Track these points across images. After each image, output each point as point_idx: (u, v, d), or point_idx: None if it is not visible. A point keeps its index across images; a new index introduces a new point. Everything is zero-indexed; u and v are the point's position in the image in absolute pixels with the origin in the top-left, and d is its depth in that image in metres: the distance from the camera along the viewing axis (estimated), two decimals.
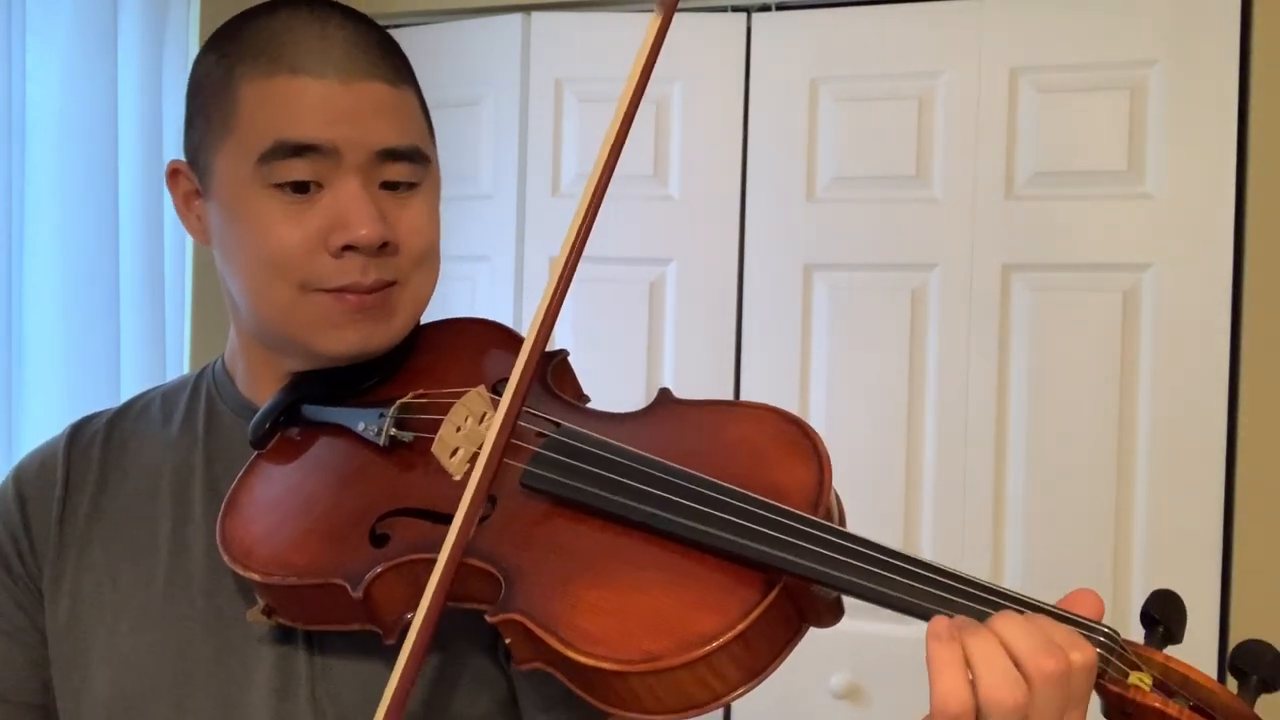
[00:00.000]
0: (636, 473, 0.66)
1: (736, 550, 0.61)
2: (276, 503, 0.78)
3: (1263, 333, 1.84)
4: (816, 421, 2.05)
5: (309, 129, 0.76)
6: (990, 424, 1.97)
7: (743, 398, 2.09)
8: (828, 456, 0.66)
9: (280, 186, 0.77)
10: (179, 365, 1.97)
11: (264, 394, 0.85)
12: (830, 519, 0.64)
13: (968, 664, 0.55)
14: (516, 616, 0.62)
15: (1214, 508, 1.86)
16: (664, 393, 0.76)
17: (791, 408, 2.34)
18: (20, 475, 0.89)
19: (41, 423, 1.65)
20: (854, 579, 0.59)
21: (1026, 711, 0.54)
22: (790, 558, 0.59)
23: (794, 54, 2.07)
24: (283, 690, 0.78)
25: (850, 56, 2.05)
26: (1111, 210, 1.92)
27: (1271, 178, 1.84)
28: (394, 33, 2.42)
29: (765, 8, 2.10)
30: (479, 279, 2.24)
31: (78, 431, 0.90)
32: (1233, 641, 1.83)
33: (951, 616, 0.57)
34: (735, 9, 2.11)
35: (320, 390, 0.83)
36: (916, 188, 2.02)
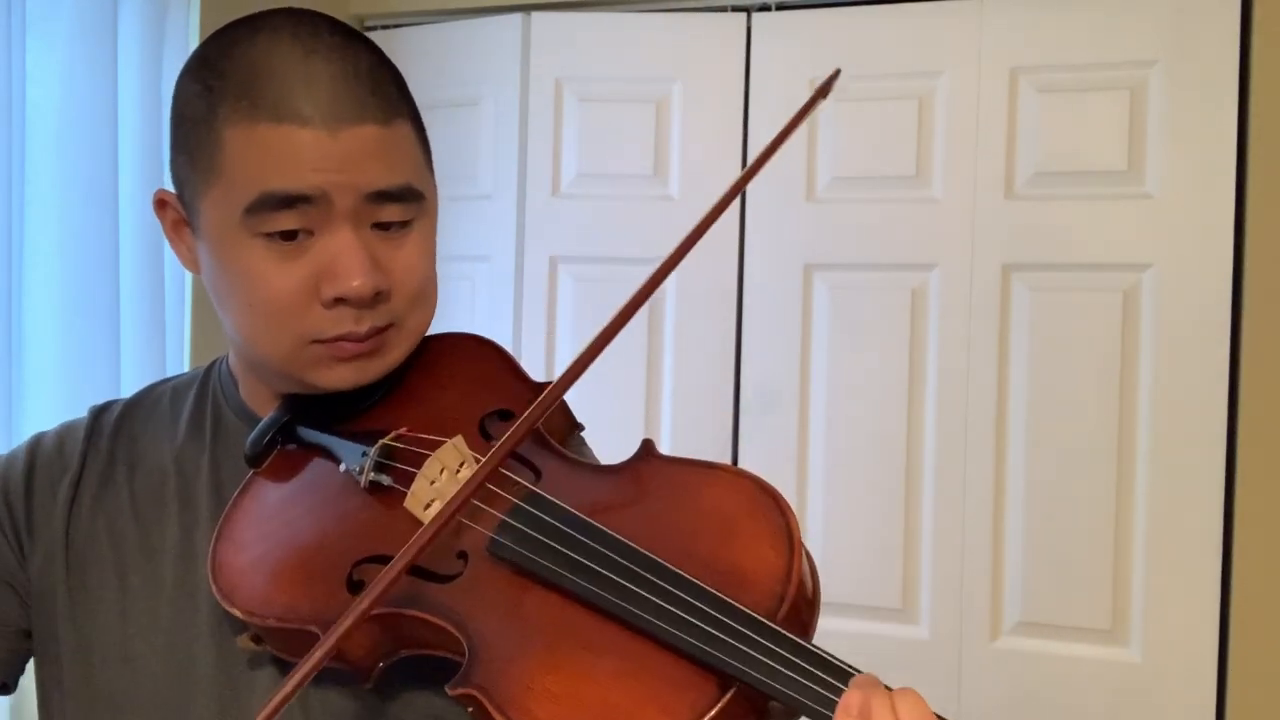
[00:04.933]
0: (599, 555, 0.66)
1: (691, 651, 0.60)
2: (265, 533, 0.77)
3: (1263, 333, 1.84)
4: (817, 422, 2.06)
5: (296, 180, 0.73)
6: (990, 424, 1.97)
7: (743, 398, 2.10)
8: (799, 539, 0.65)
9: (269, 235, 0.74)
10: (179, 365, 1.97)
11: (263, 405, 0.85)
12: (803, 597, 0.64)
13: None
14: (474, 692, 0.62)
15: (1214, 507, 1.86)
16: (646, 445, 0.75)
17: (792, 407, 2.32)
18: (37, 447, 0.88)
19: (41, 423, 1.64)
20: (806, 700, 0.57)
21: None
22: (744, 668, 0.59)
23: (794, 54, 2.07)
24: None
25: (850, 56, 2.05)
26: (1111, 210, 1.92)
27: (1271, 178, 1.84)
28: (394, 33, 2.42)
29: (765, 8, 2.10)
30: (479, 279, 2.24)
31: (97, 418, 0.90)
32: (1232, 643, 1.83)
33: None
34: (735, 9, 2.11)
35: (316, 408, 0.82)
36: (916, 188, 2.02)
